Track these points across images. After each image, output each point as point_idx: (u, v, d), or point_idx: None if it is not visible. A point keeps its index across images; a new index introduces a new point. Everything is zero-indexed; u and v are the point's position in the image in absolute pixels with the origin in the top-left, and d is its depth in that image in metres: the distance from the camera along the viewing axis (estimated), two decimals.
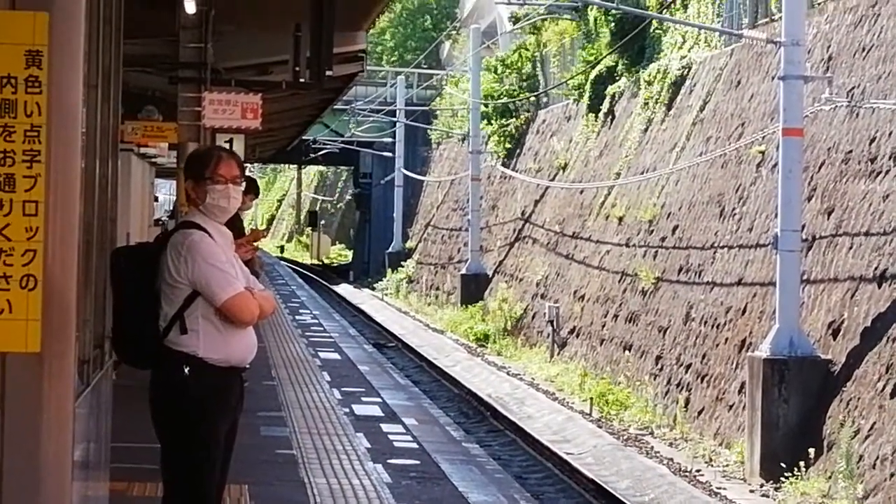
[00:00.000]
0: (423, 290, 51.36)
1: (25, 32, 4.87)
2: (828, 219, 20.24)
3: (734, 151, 24.70)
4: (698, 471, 19.26)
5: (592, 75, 36.01)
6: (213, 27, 17.21)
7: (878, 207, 18.75)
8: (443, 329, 40.76)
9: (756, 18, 26.58)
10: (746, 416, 19.21)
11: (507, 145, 45.62)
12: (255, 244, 7.96)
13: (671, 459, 20.13)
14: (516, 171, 42.64)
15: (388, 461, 15.34)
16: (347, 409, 18.44)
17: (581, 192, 34.64)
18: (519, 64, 45.60)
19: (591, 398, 24.98)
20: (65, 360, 5.01)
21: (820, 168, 21.09)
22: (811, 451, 17.49)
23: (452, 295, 45.51)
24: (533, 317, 34.91)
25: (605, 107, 35.16)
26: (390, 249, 57.95)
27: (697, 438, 21.34)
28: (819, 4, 23.55)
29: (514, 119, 45.49)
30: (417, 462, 15.73)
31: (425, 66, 64.18)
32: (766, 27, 24.92)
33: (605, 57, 34.82)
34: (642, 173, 29.64)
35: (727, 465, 19.51)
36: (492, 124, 46.22)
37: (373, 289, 57.36)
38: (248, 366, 6.94)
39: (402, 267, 55.09)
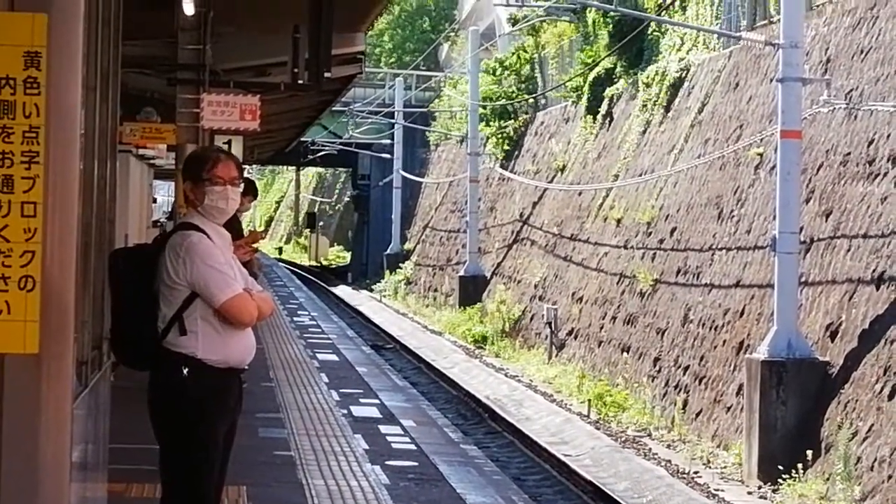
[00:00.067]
0: (422, 292, 51.35)
1: (24, 34, 4.87)
2: (826, 221, 20.25)
3: (732, 153, 24.71)
4: (696, 472, 19.27)
5: (591, 77, 36.02)
6: (211, 29, 17.20)
7: (877, 210, 18.76)
8: (441, 331, 40.76)
9: (754, 20, 26.59)
10: (744, 417, 19.21)
11: (506, 147, 45.62)
12: (254, 246, 7.96)
13: (669, 461, 20.14)
14: (515, 173, 42.64)
15: (386, 463, 15.34)
16: (345, 411, 18.44)
17: (579, 193, 34.64)
18: (517, 66, 45.61)
19: (590, 400, 24.98)
20: (63, 362, 5.01)
21: (818, 170, 21.10)
22: (809, 453, 17.50)
23: (451, 296, 45.51)
24: (531, 318, 34.92)
25: (603, 109, 35.16)
26: (388, 251, 57.95)
27: (695, 440, 21.35)
28: (817, 7, 23.57)
29: (512, 121, 45.50)
30: (415, 464, 15.72)
31: (424, 68, 64.18)
32: (764, 29, 24.93)
33: (603, 59, 34.83)
34: (641, 175, 29.64)
35: (725, 467, 19.51)
36: (490, 126, 46.22)
37: (371, 290, 57.34)
38: (246, 367, 6.94)
39: (401, 268, 55.09)
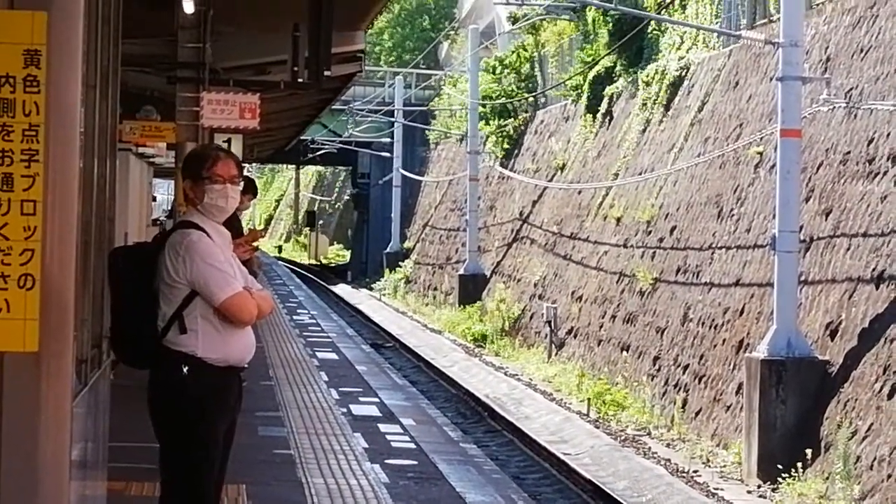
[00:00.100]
0: (421, 291, 51.36)
1: (24, 32, 4.87)
2: (826, 220, 20.25)
3: (732, 152, 24.71)
4: (696, 471, 19.27)
5: (591, 76, 36.01)
6: (211, 27, 17.20)
7: (876, 208, 18.76)
8: (440, 329, 40.76)
9: (754, 19, 26.58)
10: (744, 416, 19.21)
11: (506, 146, 45.62)
12: (254, 244, 7.95)
13: (669, 460, 20.14)
14: (514, 172, 42.65)
15: (386, 461, 15.34)
16: (345, 409, 18.44)
17: (579, 192, 34.64)
18: (517, 64, 45.61)
19: (589, 399, 24.98)
20: (63, 360, 5.02)
21: (818, 169, 21.10)
22: (808, 452, 17.49)
23: (450, 295, 45.51)
24: (531, 317, 34.92)
25: (603, 107, 35.16)
26: (388, 249, 57.95)
27: (695, 439, 21.35)
28: (817, 5, 23.56)
29: (512, 119, 45.50)
30: (415, 462, 15.72)
31: (424, 67, 64.18)
32: (764, 28, 24.93)
33: (603, 57, 34.83)
34: (640, 174, 29.64)
35: (724, 466, 19.51)
36: (490, 125, 46.22)
37: (371, 289, 57.35)
38: (246, 365, 6.94)
39: (400, 267, 55.09)
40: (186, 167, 6.99)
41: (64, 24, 4.96)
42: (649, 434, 22.45)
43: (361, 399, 20.86)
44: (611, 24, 34.20)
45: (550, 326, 31.84)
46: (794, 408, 18.40)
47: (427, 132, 58.32)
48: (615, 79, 34.83)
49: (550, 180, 38.07)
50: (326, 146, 61.61)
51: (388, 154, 59.94)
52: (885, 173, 18.91)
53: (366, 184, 65.81)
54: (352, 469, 12.35)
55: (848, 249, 19.16)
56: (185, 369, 6.67)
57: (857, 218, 19.26)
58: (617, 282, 28.90)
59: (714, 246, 24.20)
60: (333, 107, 38.04)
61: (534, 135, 43.20)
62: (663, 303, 25.65)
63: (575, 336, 30.49)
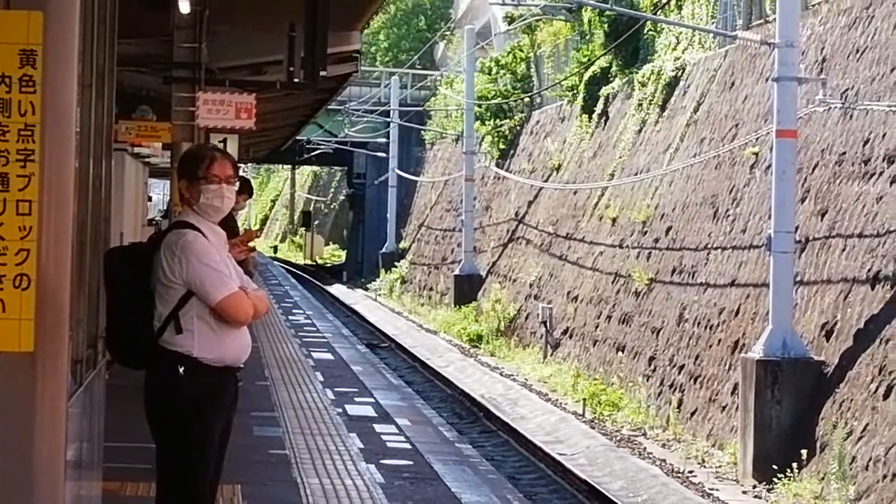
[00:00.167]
0: (417, 291, 51.35)
1: (20, 32, 4.87)
2: (821, 220, 20.26)
3: (728, 153, 24.72)
4: (691, 472, 19.28)
5: (586, 76, 36.03)
6: (207, 27, 17.19)
7: (872, 209, 18.77)
8: (436, 329, 40.76)
9: (750, 20, 26.60)
10: (739, 417, 19.22)
11: (501, 146, 45.64)
12: (250, 244, 7.94)
13: (664, 460, 20.14)
14: (510, 172, 42.65)
15: (381, 461, 15.33)
16: (340, 410, 18.43)
17: (575, 193, 34.65)
18: (513, 65, 45.62)
19: (584, 399, 24.99)
20: (58, 360, 5.01)
21: (813, 170, 21.11)
22: (804, 452, 17.50)
23: (446, 295, 45.52)
24: (526, 317, 34.92)
25: (598, 108, 35.17)
26: (384, 250, 57.95)
27: (690, 439, 21.35)
28: (813, 6, 23.58)
29: (508, 120, 45.50)
30: (410, 462, 15.71)
31: (419, 67, 64.19)
32: (760, 28, 24.94)
33: (599, 58, 34.84)
34: (636, 174, 29.65)
35: (720, 467, 19.52)
36: (486, 125, 46.23)
37: (366, 289, 57.34)
38: (242, 365, 6.94)
39: (396, 267, 55.08)
40: (182, 167, 6.98)
41: (60, 24, 4.96)
42: (645, 434, 22.46)
43: (357, 399, 20.85)
44: (607, 25, 34.23)
45: (546, 327, 31.85)
46: (789, 408, 18.41)
47: (423, 132, 58.33)
48: (611, 79, 34.84)
49: (546, 181, 38.08)
50: (322, 146, 61.60)
51: (383, 154, 59.93)
52: (880, 174, 18.92)
53: (361, 184, 65.81)
54: (347, 469, 12.35)
55: (843, 250, 19.17)
56: (181, 369, 6.66)
57: (852, 219, 19.27)
58: (612, 282, 28.91)
59: (710, 246, 24.21)
60: (329, 107, 38.06)
61: (529, 135, 43.21)
62: (659, 303, 25.66)
63: (570, 336, 30.49)
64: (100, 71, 8.13)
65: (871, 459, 16.14)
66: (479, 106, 45.68)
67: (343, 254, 76.42)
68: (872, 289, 17.94)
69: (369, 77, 63.19)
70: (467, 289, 42.21)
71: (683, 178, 26.94)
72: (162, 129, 21.32)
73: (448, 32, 66.00)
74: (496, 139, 45.86)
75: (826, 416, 17.72)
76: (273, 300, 35.71)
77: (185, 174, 6.90)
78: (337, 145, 61.36)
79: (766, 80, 22.88)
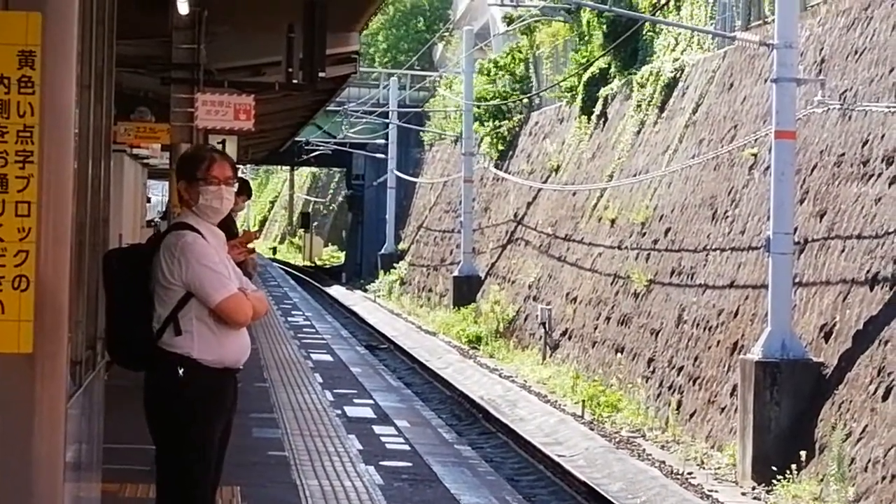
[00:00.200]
0: (416, 292, 51.35)
1: (18, 33, 4.87)
2: (820, 221, 20.26)
3: (727, 154, 24.72)
4: (690, 473, 19.27)
5: (585, 77, 36.03)
6: (206, 28, 17.17)
7: (871, 210, 18.77)
8: (435, 331, 40.75)
9: (749, 21, 26.60)
10: (738, 418, 19.21)
11: (500, 147, 45.63)
12: (249, 246, 7.93)
13: (663, 462, 20.14)
14: (509, 173, 42.65)
15: (381, 463, 15.32)
16: (339, 411, 18.42)
17: (573, 194, 34.65)
18: (512, 66, 45.62)
19: (583, 400, 24.98)
20: (57, 361, 5.01)
21: (812, 171, 21.11)
22: (803, 453, 17.50)
23: (445, 297, 45.51)
24: (525, 319, 34.91)
25: (597, 109, 35.17)
26: (383, 251, 57.94)
27: (689, 441, 21.35)
28: (812, 7, 23.58)
29: (506, 121, 45.50)
30: (409, 464, 15.71)
31: (418, 68, 64.20)
32: (758, 29, 24.94)
33: (597, 59, 34.84)
34: (635, 175, 29.65)
35: (719, 468, 19.52)
36: (484, 126, 46.23)
37: (365, 290, 57.33)
38: (241, 367, 6.93)
39: (395, 269, 55.08)
40: (181, 169, 6.98)
41: (58, 25, 4.96)
42: (644, 436, 22.45)
43: (356, 401, 20.84)
44: (605, 26, 34.23)
45: (545, 328, 31.84)
46: (788, 409, 18.41)
47: (421, 134, 58.34)
48: (610, 80, 34.84)
49: (545, 182, 38.08)
50: (321, 147, 61.60)
51: (382, 155, 59.93)
52: (879, 175, 18.92)
53: (360, 185, 65.82)
54: (346, 471, 12.34)
55: (842, 251, 19.17)
56: (180, 371, 6.65)
57: (851, 220, 19.27)
58: (611, 283, 28.90)
59: (708, 248, 24.21)
60: (328, 108, 38.00)
61: (528, 136, 43.21)
62: (658, 304, 25.66)
63: (569, 338, 30.49)
64: (98, 72, 8.12)
65: (870, 461, 16.14)
66: (478, 107, 45.68)
67: (342, 255, 76.41)
68: (871, 290, 17.94)
69: (368, 78, 63.18)
70: (466, 290, 42.20)
71: (682, 179, 26.94)
72: (161, 130, 21.32)
73: (447, 33, 66.00)
74: (495, 140, 45.86)
75: (825, 417, 17.72)
76: (272, 301, 35.70)
77: (184, 175, 6.89)
78: (336, 146, 61.36)
79: (765, 81, 22.88)
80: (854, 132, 20.14)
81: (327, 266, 76.29)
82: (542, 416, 24.91)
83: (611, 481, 19.32)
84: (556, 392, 27.40)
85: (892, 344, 16.86)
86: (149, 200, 48.10)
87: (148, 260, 6.73)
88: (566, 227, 34.34)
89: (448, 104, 53.26)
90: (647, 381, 24.56)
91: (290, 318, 34.36)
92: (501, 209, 43.18)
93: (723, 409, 20.88)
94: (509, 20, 45.50)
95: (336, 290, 58.86)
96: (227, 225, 7.82)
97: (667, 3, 30.45)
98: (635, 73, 32.40)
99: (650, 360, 24.90)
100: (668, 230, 26.67)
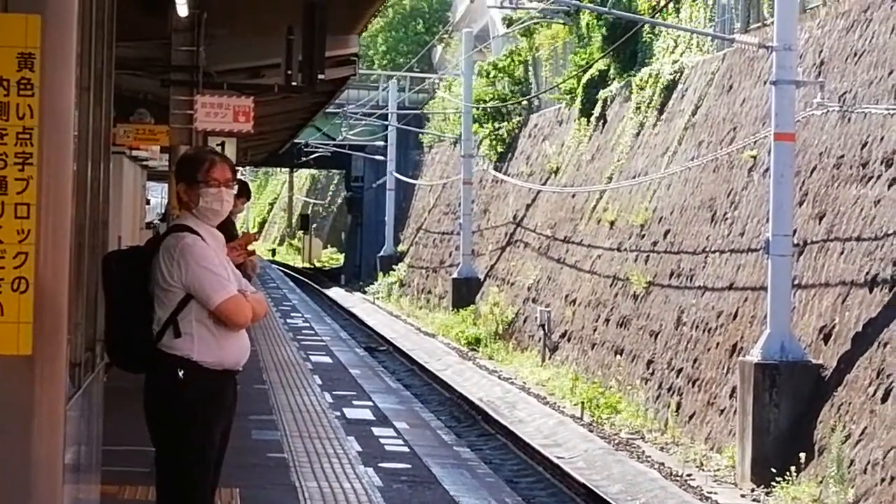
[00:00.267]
0: (415, 294, 51.35)
1: (18, 35, 4.87)
2: (819, 224, 20.26)
3: (726, 156, 24.72)
4: (689, 475, 19.27)
5: (584, 79, 36.04)
6: (205, 30, 17.17)
7: (870, 212, 18.78)
8: (434, 333, 40.75)
9: (748, 23, 26.61)
10: (737, 420, 19.21)
11: (499, 149, 45.63)
12: (249, 248, 7.93)
13: (662, 464, 20.13)
14: (508, 175, 42.65)
15: (380, 465, 15.33)
16: (339, 413, 18.43)
17: (573, 196, 34.65)
18: (511, 68, 45.62)
19: (583, 402, 24.98)
20: (56, 363, 5.01)
21: (811, 173, 21.11)
22: (802, 455, 17.50)
23: (444, 299, 45.51)
24: (524, 321, 34.91)
25: (597, 111, 35.18)
26: (382, 253, 57.95)
27: (688, 443, 21.35)
28: (811, 9, 23.59)
29: (506, 123, 45.50)
30: (409, 466, 15.71)
31: (417, 70, 64.21)
32: (758, 32, 24.95)
33: (597, 61, 34.85)
34: (634, 177, 29.65)
35: (718, 470, 19.51)
36: (484, 128, 46.23)
37: (364, 292, 57.33)
38: (241, 369, 6.93)
39: (394, 270, 55.08)
40: (181, 171, 6.97)
41: (58, 27, 4.96)
42: (643, 438, 22.45)
43: (355, 402, 20.84)
44: (604, 28, 34.23)
45: (544, 330, 31.84)
46: (787, 411, 18.41)
47: (421, 135, 58.34)
48: (609, 82, 34.85)
49: (544, 184, 38.08)
50: (320, 149, 61.61)
51: (381, 157, 59.94)
52: (878, 177, 18.92)
53: (359, 187, 65.83)
54: (345, 473, 12.34)
55: (841, 253, 19.17)
56: (180, 373, 6.65)
57: (850, 222, 19.27)
58: (610, 285, 28.91)
59: (708, 249, 24.21)
60: (327, 110, 38.00)
61: (528, 138, 43.21)
62: (657, 306, 25.66)
63: (569, 340, 30.49)
64: (98, 74, 8.13)
65: (869, 463, 16.14)
66: (477, 109, 45.68)
67: (341, 257, 76.41)
68: (870, 292, 17.94)
69: (367, 80, 63.20)
70: (465, 292, 42.20)
71: (681, 181, 26.94)
72: (160, 132, 21.32)
73: (446, 35, 66.02)
74: (494, 142, 45.86)
75: (824, 419, 17.72)
76: (271, 303, 35.70)
77: (183, 177, 6.89)
78: (335, 148, 61.38)
79: (764, 83, 22.88)
80: (853, 134, 20.14)
81: (326, 268, 76.29)
82: (542, 418, 24.91)
83: (610, 483, 19.32)
84: (555, 394, 27.40)
85: (892, 346, 16.86)
86: (148, 202, 48.08)
87: (147, 262, 6.73)
88: (565, 228, 34.34)
89: (447, 106, 53.27)
90: (646, 383, 24.55)
91: (289, 320, 34.37)
92: (500, 211, 43.18)
93: (722, 411, 20.89)
94: (509, 22, 45.51)
95: (335, 292, 58.86)
96: (227, 227, 7.83)
97: (666, 6, 30.45)
98: (634, 76, 32.40)
99: (649, 362, 24.90)
100: (667, 232, 26.67)
